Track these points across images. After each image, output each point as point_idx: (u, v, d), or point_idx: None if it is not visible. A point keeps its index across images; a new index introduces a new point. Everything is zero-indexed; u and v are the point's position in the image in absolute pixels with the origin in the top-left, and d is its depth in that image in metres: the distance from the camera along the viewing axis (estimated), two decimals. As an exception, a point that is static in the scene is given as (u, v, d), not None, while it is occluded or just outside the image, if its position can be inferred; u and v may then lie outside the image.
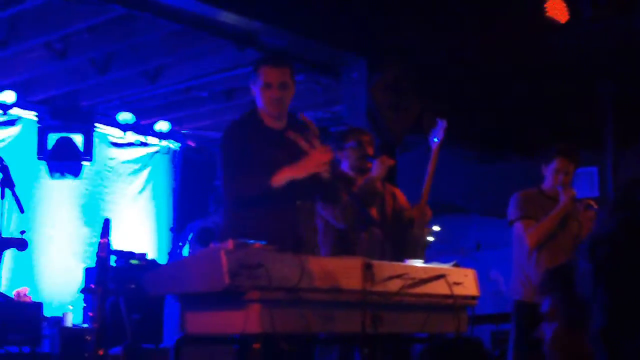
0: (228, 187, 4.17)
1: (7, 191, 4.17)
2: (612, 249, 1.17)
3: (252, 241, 3.42)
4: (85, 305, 8.06)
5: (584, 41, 7.44)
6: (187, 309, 3.65)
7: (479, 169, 10.04)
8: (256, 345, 3.33)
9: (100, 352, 4.07)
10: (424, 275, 4.10)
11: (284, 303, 3.38)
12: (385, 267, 3.92)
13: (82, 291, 5.27)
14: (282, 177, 4.02)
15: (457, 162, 9.47)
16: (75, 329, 7.57)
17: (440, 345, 1.96)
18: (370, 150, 5.37)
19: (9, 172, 4.12)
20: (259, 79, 4.29)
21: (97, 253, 4.08)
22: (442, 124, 5.42)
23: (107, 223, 4.13)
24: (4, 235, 5.51)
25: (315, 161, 4.06)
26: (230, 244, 3.35)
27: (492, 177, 9.70)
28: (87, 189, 9.88)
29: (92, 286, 4.22)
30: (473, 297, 4.43)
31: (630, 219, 1.17)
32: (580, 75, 8.02)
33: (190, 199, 10.66)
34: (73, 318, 7.88)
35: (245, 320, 3.29)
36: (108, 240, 4.08)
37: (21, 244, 6.02)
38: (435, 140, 5.43)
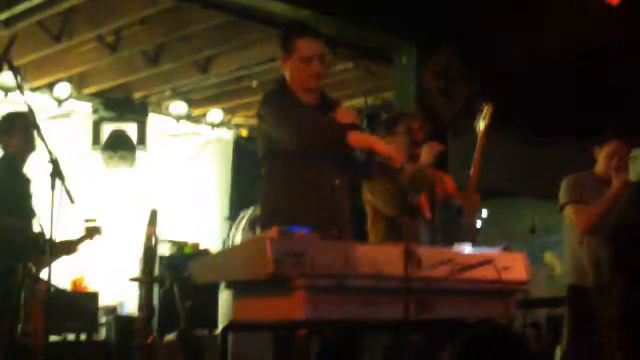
0: (294, 134, 3.99)
1: (58, 182, 4.27)
2: (632, 238, 1.17)
3: (296, 228, 3.44)
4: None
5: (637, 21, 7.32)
6: (235, 296, 3.69)
7: (532, 151, 9.94)
8: (301, 332, 3.36)
9: (148, 341, 4.14)
10: (471, 261, 4.07)
11: (329, 290, 3.39)
12: (431, 253, 3.90)
13: (131, 280, 5.38)
14: (361, 139, 3.91)
15: (509, 145, 9.39)
16: (130, 317, 7.70)
17: (472, 337, 1.97)
18: (420, 136, 5.34)
19: (59, 165, 4.22)
20: (296, 51, 4.11)
21: (144, 242, 4.15)
22: (487, 109, 5.37)
23: (154, 213, 4.20)
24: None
25: (396, 151, 3.94)
26: (274, 231, 3.37)
27: (545, 160, 9.59)
28: (142, 179, 10.01)
29: (140, 275, 4.29)
30: (522, 282, 4.39)
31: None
32: (633, 56, 7.89)
33: (244, 187, 10.74)
34: (129, 306, 8.01)
35: (290, 307, 3.31)
36: (154, 229, 4.14)
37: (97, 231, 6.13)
38: (481, 125, 5.39)
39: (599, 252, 1.20)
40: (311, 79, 4.16)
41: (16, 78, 4.85)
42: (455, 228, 5.36)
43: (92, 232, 5.99)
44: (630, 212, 1.01)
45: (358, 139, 3.90)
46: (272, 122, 4.10)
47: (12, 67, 4.88)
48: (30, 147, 5.60)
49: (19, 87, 4.51)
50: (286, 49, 4.17)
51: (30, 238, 5.17)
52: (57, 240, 5.09)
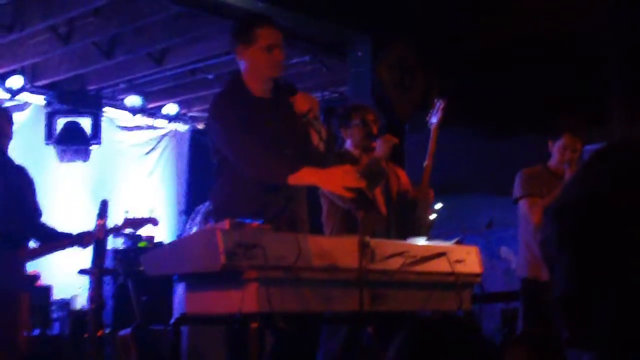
0: (242, 166, 3.96)
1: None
2: (578, 215, 1.16)
3: (248, 220, 3.41)
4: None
5: (590, 13, 7.39)
6: (187, 288, 3.66)
7: (488, 146, 9.99)
8: (254, 325, 3.34)
9: (99, 333, 4.09)
10: (425, 253, 4.08)
11: (281, 282, 3.38)
12: (385, 245, 3.91)
13: (79, 272, 5.28)
14: (301, 179, 3.82)
15: (467, 139, 9.43)
16: (83, 311, 7.62)
17: (425, 326, 1.95)
18: (375, 129, 5.34)
19: None
20: (257, 40, 4.04)
21: (94, 234, 4.10)
22: (439, 104, 5.39)
23: (104, 205, 4.15)
24: None
25: (342, 183, 3.78)
26: (226, 223, 3.35)
27: (502, 155, 9.65)
28: (96, 172, 9.91)
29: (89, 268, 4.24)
30: (476, 275, 4.41)
31: (596, 186, 1.17)
32: (587, 48, 7.96)
33: (200, 181, 10.67)
34: (82, 300, 7.93)
35: (242, 300, 3.29)
36: (104, 221, 4.10)
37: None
38: (434, 120, 5.40)
39: (546, 230, 1.20)
40: (273, 68, 4.09)
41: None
42: (409, 222, 5.36)
43: (137, 223, 5.65)
44: (577, 189, 1.00)
45: (297, 180, 3.82)
46: (221, 141, 4.05)
47: None
48: (7, 135, 5.46)
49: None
50: (246, 38, 4.08)
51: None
52: (76, 232, 4.96)
